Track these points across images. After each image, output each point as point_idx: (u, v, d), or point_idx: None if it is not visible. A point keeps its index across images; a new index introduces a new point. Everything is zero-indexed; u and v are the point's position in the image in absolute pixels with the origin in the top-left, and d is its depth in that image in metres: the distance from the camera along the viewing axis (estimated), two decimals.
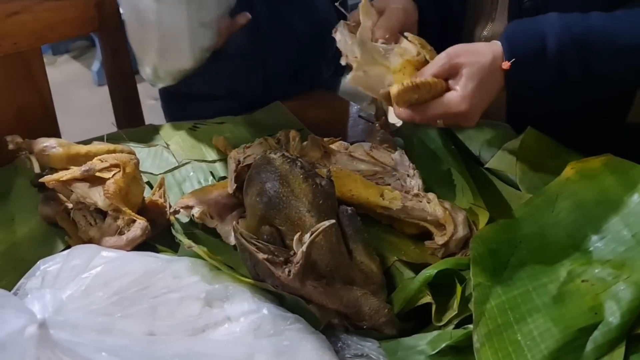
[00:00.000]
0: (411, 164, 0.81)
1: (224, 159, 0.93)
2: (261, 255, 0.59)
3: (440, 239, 0.73)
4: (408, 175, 0.81)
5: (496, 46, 0.72)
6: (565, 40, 0.69)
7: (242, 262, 0.63)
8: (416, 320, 0.65)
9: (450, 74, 0.72)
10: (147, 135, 1.00)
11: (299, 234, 0.60)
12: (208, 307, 0.56)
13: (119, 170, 0.74)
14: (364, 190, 0.76)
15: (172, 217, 0.78)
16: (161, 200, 0.77)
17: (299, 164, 0.68)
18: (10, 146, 0.85)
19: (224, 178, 0.88)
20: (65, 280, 0.53)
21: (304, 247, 0.58)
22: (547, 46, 0.70)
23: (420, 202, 0.75)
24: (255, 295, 0.59)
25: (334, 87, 1.34)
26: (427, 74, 0.72)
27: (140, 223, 0.71)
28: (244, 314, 0.56)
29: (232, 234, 0.75)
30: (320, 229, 0.58)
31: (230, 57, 1.04)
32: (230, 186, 0.77)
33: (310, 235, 0.58)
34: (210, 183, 0.88)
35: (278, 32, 1.06)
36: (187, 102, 1.19)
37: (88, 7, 1.04)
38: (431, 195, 0.75)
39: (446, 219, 0.73)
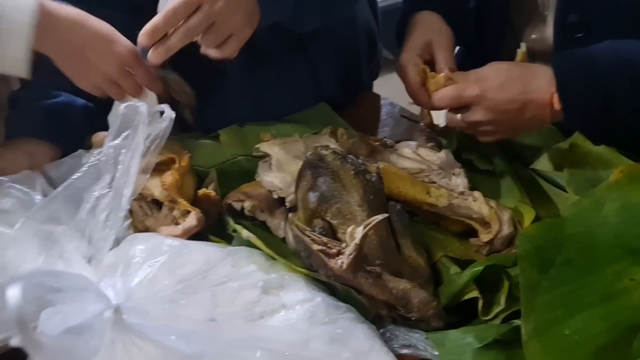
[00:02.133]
0: (457, 163, 0.83)
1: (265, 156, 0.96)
2: (315, 247, 0.61)
3: (485, 237, 0.74)
4: (454, 174, 0.82)
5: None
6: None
7: (296, 253, 0.65)
8: (461, 314, 0.67)
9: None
10: None
11: (351, 227, 0.62)
12: (265, 295, 0.58)
13: (175, 163, 0.78)
14: (410, 187, 0.77)
15: (223, 210, 0.81)
16: (213, 193, 0.80)
17: (349, 160, 0.71)
18: None
19: None
20: (133, 267, 0.56)
21: (357, 240, 0.60)
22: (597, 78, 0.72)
23: (466, 200, 0.76)
24: (309, 285, 0.61)
25: (369, 87, 1.36)
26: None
27: (196, 213, 0.74)
28: (299, 302, 0.58)
29: (282, 227, 0.78)
30: (373, 221, 0.60)
31: (281, 75, 1.06)
32: None
33: (363, 228, 0.60)
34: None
35: (324, 45, 1.08)
36: None
37: None
38: (477, 194, 0.77)
39: (492, 217, 0.74)
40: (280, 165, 0.81)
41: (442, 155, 0.85)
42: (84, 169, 0.64)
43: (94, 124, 0.87)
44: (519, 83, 0.76)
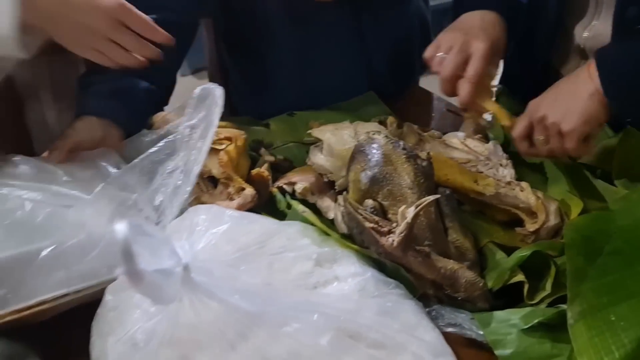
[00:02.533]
0: (504, 154, 0.84)
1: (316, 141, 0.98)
2: (368, 224, 0.64)
3: (531, 226, 0.76)
4: (501, 165, 0.84)
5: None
6: None
7: (348, 230, 0.68)
8: (505, 299, 0.68)
9: None
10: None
11: (403, 206, 0.64)
12: (319, 267, 0.61)
13: (231, 143, 0.81)
14: (459, 175, 0.79)
15: (274, 190, 0.84)
16: (266, 173, 0.83)
17: (401, 145, 0.73)
18: None
19: None
20: (197, 234, 0.60)
21: (408, 219, 0.62)
22: None
23: (513, 190, 0.78)
24: (360, 260, 0.63)
25: (417, 81, 1.38)
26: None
27: (249, 191, 0.77)
28: (351, 275, 0.61)
29: (331, 208, 0.80)
30: (426, 201, 0.62)
31: (334, 63, 1.08)
32: None
33: (415, 208, 0.62)
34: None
35: (379, 37, 1.10)
36: None
37: None
38: (524, 184, 0.78)
39: (538, 207, 0.75)
40: (331, 150, 0.83)
41: (490, 146, 0.86)
42: (160, 144, 0.68)
43: (156, 106, 0.92)
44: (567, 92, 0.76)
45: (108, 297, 0.59)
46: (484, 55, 0.80)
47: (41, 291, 0.61)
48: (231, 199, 0.77)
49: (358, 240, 0.66)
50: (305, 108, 1.07)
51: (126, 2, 0.72)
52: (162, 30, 0.74)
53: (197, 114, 0.69)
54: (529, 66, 1.02)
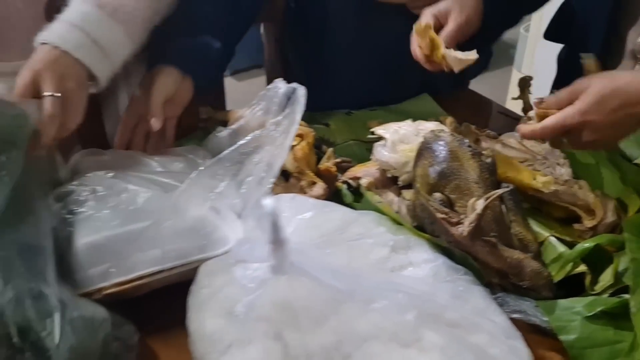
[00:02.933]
0: (562, 154, 0.88)
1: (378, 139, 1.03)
2: (439, 215, 0.69)
3: (589, 223, 0.79)
4: (558, 164, 0.87)
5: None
6: None
7: (414, 221, 0.72)
8: (565, 290, 0.72)
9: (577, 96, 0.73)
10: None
11: (473, 199, 0.68)
12: (394, 253, 0.66)
13: (303, 140, 0.86)
14: (517, 173, 0.83)
15: (339, 185, 0.89)
16: (334, 168, 0.88)
17: (466, 142, 0.77)
18: (203, 115, 1.01)
19: None
20: (285, 220, 0.65)
21: (478, 210, 0.66)
22: None
23: (571, 187, 0.81)
24: (431, 248, 0.68)
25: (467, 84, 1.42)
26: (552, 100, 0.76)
27: (321, 184, 0.82)
28: (424, 261, 0.65)
29: (395, 202, 0.85)
30: (496, 194, 0.66)
31: (391, 62, 1.13)
32: None
33: (485, 200, 0.67)
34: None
35: None
36: None
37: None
38: (582, 182, 0.82)
39: (596, 205, 0.79)
40: (394, 147, 0.88)
41: (547, 146, 0.90)
42: (248, 138, 0.73)
43: (223, 67, 0.97)
44: (617, 96, 0.73)
45: (202, 276, 0.65)
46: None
47: (139, 267, 0.67)
48: (303, 192, 0.83)
49: (429, 229, 0.71)
50: (362, 104, 1.12)
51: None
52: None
53: (281, 111, 0.75)
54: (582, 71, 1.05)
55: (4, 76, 0.99)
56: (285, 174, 0.88)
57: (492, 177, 0.75)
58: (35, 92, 0.75)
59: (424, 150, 0.78)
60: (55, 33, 0.78)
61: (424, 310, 0.56)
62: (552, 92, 1.08)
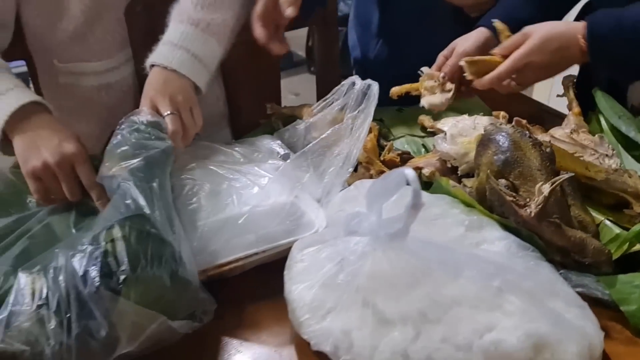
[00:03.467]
0: (610, 145, 0.95)
1: (431, 134, 1.11)
2: (508, 197, 0.75)
3: (639, 208, 0.86)
4: (607, 156, 0.94)
5: (576, 24, 0.92)
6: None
7: (488, 202, 0.79)
8: (622, 267, 0.78)
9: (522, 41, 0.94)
10: None
11: (539, 184, 0.75)
12: (469, 232, 0.72)
13: (371, 132, 0.94)
14: (571, 162, 0.90)
15: None
16: (398, 159, 0.95)
17: (527, 134, 0.84)
18: (269, 111, 1.08)
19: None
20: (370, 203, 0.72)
21: (545, 193, 0.73)
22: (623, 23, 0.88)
23: (622, 176, 0.88)
24: (501, 228, 0.75)
25: None
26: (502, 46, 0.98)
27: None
28: (497, 238, 0.72)
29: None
30: (562, 178, 0.73)
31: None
32: None
33: (551, 184, 0.74)
34: (422, 154, 1.06)
35: None
36: None
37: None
38: (632, 171, 0.88)
39: None
40: (453, 139, 0.95)
41: (596, 139, 0.97)
42: (328, 132, 0.81)
43: None
44: (556, 40, 0.93)
45: (296, 252, 0.72)
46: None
47: (237, 250, 0.75)
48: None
49: (498, 211, 0.78)
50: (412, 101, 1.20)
51: (85, 153, 0.81)
52: (100, 188, 0.79)
53: (357, 106, 0.82)
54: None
55: (87, 75, 1.07)
56: None
57: (552, 165, 0.82)
58: (156, 111, 0.86)
59: (487, 141, 0.85)
60: (162, 55, 0.89)
61: (505, 278, 0.63)
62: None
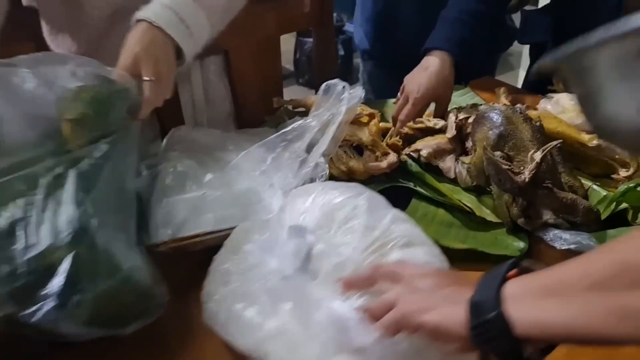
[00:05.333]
0: None
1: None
2: (504, 166, 0.83)
3: (625, 173, 0.93)
4: None
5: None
6: None
7: (486, 171, 0.87)
8: (611, 226, 0.85)
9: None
10: None
11: (532, 151, 0.83)
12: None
13: (375, 118, 1.01)
14: (566, 128, 0.97)
15: (403, 157, 1.03)
16: (400, 142, 1.02)
17: (518, 109, 0.92)
18: (275, 104, 1.15)
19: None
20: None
21: (537, 159, 0.81)
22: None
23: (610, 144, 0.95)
24: None
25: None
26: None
27: (394, 153, 0.97)
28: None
29: (452, 169, 0.99)
30: (550, 145, 0.81)
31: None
32: (451, 132, 1.01)
33: (542, 151, 0.81)
34: None
35: None
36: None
37: (315, 7, 1.33)
38: None
39: (632, 158, 0.93)
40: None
41: None
42: (289, 127, 0.88)
43: None
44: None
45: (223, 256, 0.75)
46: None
47: (196, 227, 0.81)
48: (379, 161, 0.97)
49: (495, 180, 0.85)
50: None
51: None
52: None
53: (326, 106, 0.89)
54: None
55: None
56: (358, 149, 1.02)
57: (542, 136, 0.89)
58: (134, 71, 0.83)
59: (482, 118, 0.93)
60: (150, 11, 0.86)
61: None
62: None
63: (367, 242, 0.66)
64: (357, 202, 0.70)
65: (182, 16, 0.88)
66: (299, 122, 0.93)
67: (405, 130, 1.07)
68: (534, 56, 1.35)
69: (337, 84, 0.93)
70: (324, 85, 0.94)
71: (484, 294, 0.52)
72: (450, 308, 0.53)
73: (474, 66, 1.19)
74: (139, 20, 0.87)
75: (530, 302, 0.50)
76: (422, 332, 0.55)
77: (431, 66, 1.10)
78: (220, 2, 0.96)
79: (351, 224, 0.69)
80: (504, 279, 0.53)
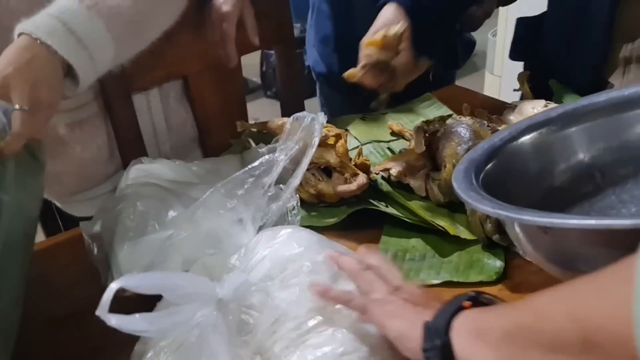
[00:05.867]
0: None
1: (397, 139, 1.17)
2: None
3: None
4: None
5: None
6: None
7: (449, 196, 0.86)
8: None
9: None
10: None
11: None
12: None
13: (341, 139, 0.99)
14: None
15: (373, 176, 1.01)
16: (369, 161, 1.00)
17: (485, 123, 0.91)
18: (239, 128, 1.12)
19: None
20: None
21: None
22: None
23: None
24: None
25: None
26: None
27: (363, 174, 0.95)
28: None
29: (422, 187, 0.98)
30: None
31: None
32: (420, 148, 0.99)
33: None
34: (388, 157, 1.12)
35: None
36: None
37: (273, 26, 1.31)
38: None
39: None
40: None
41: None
42: (257, 162, 0.83)
43: None
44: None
45: None
46: None
47: (165, 271, 0.77)
48: (348, 183, 0.95)
49: None
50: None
51: None
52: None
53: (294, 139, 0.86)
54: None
55: (60, 113, 1.08)
56: (327, 171, 1.00)
57: None
58: (3, 97, 0.71)
59: (450, 133, 0.92)
60: (31, 21, 0.74)
61: None
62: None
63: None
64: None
65: (71, 27, 0.74)
66: (266, 157, 0.90)
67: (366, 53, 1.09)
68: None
69: (306, 116, 0.90)
70: (292, 117, 0.91)
71: (437, 320, 0.54)
72: (415, 324, 0.56)
73: (430, 32, 1.16)
74: (20, 34, 0.73)
75: (468, 339, 0.52)
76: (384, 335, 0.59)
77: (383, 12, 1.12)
78: (124, 11, 0.81)
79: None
80: (459, 309, 0.54)
